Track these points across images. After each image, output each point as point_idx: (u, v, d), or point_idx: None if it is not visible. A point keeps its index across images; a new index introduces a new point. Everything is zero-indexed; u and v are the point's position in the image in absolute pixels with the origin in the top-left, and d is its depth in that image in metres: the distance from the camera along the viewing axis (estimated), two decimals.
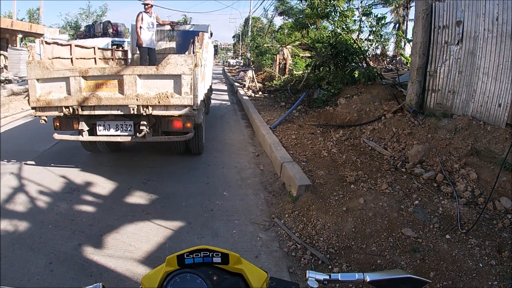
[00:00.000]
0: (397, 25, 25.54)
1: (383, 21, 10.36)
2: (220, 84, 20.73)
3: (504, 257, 3.08)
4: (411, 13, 24.70)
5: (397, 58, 17.01)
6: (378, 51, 13.79)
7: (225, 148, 7.01)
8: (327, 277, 1.02)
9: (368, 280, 1.01)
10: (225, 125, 9.23)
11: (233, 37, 63.62)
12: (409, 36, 18.88)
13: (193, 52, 4.74)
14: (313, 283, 0.99)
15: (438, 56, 5.89)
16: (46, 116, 4.96)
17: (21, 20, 27.07)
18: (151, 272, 1.08)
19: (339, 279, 1.03)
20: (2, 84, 13.60)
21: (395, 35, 19.83)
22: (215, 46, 10.73)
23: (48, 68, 4.65)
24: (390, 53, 18.88)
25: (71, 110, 4.69)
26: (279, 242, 3.62)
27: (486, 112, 5.07)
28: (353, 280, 1.02)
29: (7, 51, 17.01)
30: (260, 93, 13.84)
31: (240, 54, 51.77)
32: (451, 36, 5.63)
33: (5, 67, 15.99)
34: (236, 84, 17.64)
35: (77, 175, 5.25)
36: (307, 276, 1.01)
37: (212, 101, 11.67)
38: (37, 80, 4.72)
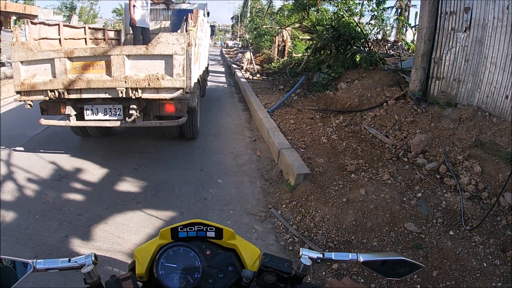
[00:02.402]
0: (399, 11, 25.07)
1: (383, 5, 10.06)
2: (218, 66, 20.40)
3: (508, 257, 2.96)
4: None
5: (399, 44, 16.67)
6: (379, 36, 13.48)
7: (221, 132, 6.82)
8: (321, 255, 1.02)
9: (361, 260, 1.02)
10: (221, 108, 9.00)
11: (232, 18, 62.62)
12: (411, 21, 18.57)
13: (186, 31, 4.47)
14: (306, 260, 0.99)
15: (444, 42, 5.65)
16: (31, 101, 4.71)
17: (15, 1, 26.39)
18: (144, 245, 1.09)
19: (333, 258, 1.03)
20: None
21: (396, 20, 19.46)
22: (212, 26, 10.40)
23: (32, 49, 4.38)
24: (391, 38, 18.52)
25: (56, 93, 4.45)
26: (276, 234, 3.47)
27: (492, 103, 4.85)
28: (347, 260, 1.03)
29: (0, 34, 16.55)
30: (258, 75, 13.56)
31: (238, 35, 51.12)
32: (458, 22, 5.37)
33: None
34: (234, 66, 17.35)
35: (67, 161, 5.06)
36: (300, 254, 1.01)
37: (209, 83, 11.43)
38: (21, 62, 4.46)
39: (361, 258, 1.02)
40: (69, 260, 0.99)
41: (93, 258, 0.97)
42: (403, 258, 1.02)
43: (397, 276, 1.05)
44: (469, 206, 3.55)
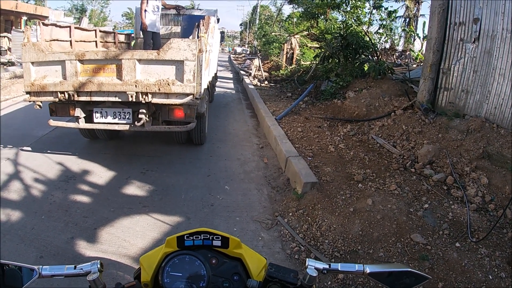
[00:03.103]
0: (408, 20, 25.08)
1: (394, 15, 10.07)
2: (226, 72, 20.47)
3: None
4: (422, 9, 24.31)
5: (407, 53, 16.67)
6: (387, 45, 13.50)
7: (229, 138, 6.82)
8: (327, 266, 1.01)
9: (368, 271, 1.01)
10: (229, 114, 9.02)
11: (241, 24, 62.93)
12: (419, 31, 18.59)
13: (198, 37, 4.49)
14: (312, 271, 0.98)
15: (452, 53, 5.64)
16: (41, 102, 4.74)
17: (27, 2, 26.76)
18: (150, 253, 1.09)
19: (339, 269, 1.02)
20: (5, 67, 13.42)
21: (405, 30, 19.49)
22: (222, 33, 10.45)
23: (43, 50, 4.42)
24: (399, 47, 18.54)
25: (66, 95, 4.47)
26: (282, 243, 3.45)
27: (500, 114, 4.82)
28: (353, 271, 1.02)
29: (11, 33, 16.79)
30: (266, 82, 13.59)
31: (247, 42, 51.34)
32: (467, 33, 5.36)
33: (9, 49, 15.80)
34: (242, 72, 17.40)
35: (74, 163, 5.08)
36: (306, 264, 1.00)
37: (217, 89, 11.47)
38: (32, 63, 4.49)
39: (368, 269, 1.01)
40: (75, 267, 1.00)
41: (98, 266, 0.98)
42: (409, 269, 1.01)
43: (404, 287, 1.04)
44: (475, 218, 3.52)
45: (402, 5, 23.96)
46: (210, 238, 1.07)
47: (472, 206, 3.72)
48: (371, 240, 3.28)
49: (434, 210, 3.64)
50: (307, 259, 1.01)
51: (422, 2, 23.47)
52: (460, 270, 2.91)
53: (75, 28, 6.48)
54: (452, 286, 2.79)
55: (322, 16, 12.63)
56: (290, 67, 15.24)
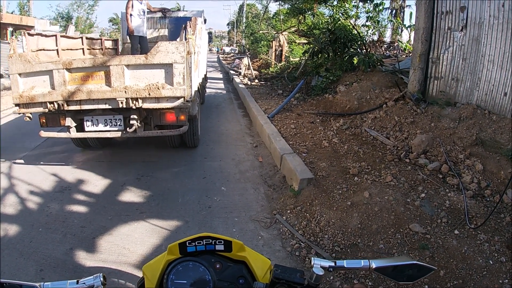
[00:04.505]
0: (394, 12, 25.15)
1: (380, 7, 10.10)
2: (215, 72, 20.42)
3: None
4: (408, 0, 24.41)
5: (395, 44, 16.72)
6: (375, 38, 13.53)
7: (222, 139, 6.81)
8: (333, 264, 1.01)
9: (373, 266, 1.00)
10: (221, 115, 9.00)
11: (228, 24, 62.72)
12: (406, 22, 18.63)
13: (185, 39, 4.46)
14: (318, 270, 0.97)
15: (441, 42, 5.67)
16: (31, 113, 4.69)
17: (11, 13, 26.46)
18: (153, 261, 1.09)
19: (345, 266, 1.02)
20: None
21: (392, 22, 19.53)
22: (209, 33, 10.41)
23: (30, 61, 4.37)
24: (387, 39, 18.58)
25: (56, 105, 4.43)
26: (282, 240, 3.46)
27: (491, 101, 4.86)
28: (359, 267, 1.02)
29: None
30: (256, 81, 13.58)
31: (235, 41, 51.25)
32: (454, 22, 5.39)
33: None
34: (232, 72, 17.38)
35: (68, 173, 5.04)
36: (312, 263, 0.99)
37: (208, 90, 11.43)
38: (19, 74, 4.45)
39: (374, 264, 1.01)
40: (77, 282, 0.98)
41: (101, 279, 0.97)
42: (415, 262, 1.02)
43: (410, 280, 1.04)
44: (472, 205, 3.55)
45: None
46: (213, 243, 1.07)
47: (468, 193, 3.75)
48: (370, 233, 3.30)
49: (431, 199, 3.67)
50: (312, 257, 1.01)
51: None
52: (461, 257, 2.94)
53: (61, 36, 6.41)
54: (453, 273, 2.82)
55: (309, 12, 12.64)
56: (280, 64, 15.24)
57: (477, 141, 4.51)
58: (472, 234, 3.18)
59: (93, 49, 7.78)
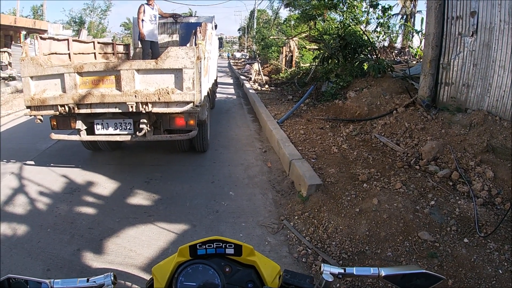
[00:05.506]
0: (405, 17, 25.08)
1: (389, 11, 10.06)
2: (226, 78, 20.53)
3: None
4: (419, 5, 24.33)
5: (406, 50, 16.64)
6: (386, 43, 13.48)
7: (231, 144, 6.81)
8: (342, 270, 1.01)
9: (383, 274, 1.00)
10: (231, 119, 9.03)
11: (239, 30, 63.19)
12: (417, 27, 18.55)
13: (195, 44, 4.49)
14: (328, 276, 0.98)
15: (451, 48, 5.61)
16: (42, 115, 4.75)
17: (26, 17, 26.94)
18: (163, 262, 1.08)
19: (354, 273, 1.02)
20: (6, 82, 13.51)
21: (402, 26, 19.47)
22: (220, 39, 10.48)
23: (42, 64, 4.44)
24: (397, 45, 18.51)
25: (66, 108, 4.49)
26: (289, 246, 3.43)
27: (502, 107, 4.79)
28: (368, 275, 1.02)
29: (11, 48, 16.91)
30: (266, 86, 13.60)
31: (245, 47, 51.49)
32: (465, 27, 5.34)
33: (9, 64, 15.90)
34: (242, 77, 17.42)
35: (78, 175, 5.09)
36: (321, 270, 1.00)
37: (218, 95, 11.50)
38: (31, 77, 4.52)
39: (383, 272, 1.01)
40: (88, 280, 0.98)
41: (112, 278, 0.97)
42: (424, 271, 1.01)
43: None
44: (482, 213, 3.48)
45: (396, 4, 24.01)
46: (223, 246, 1.07)
47: (478, 200, 3.69)
48: (379, 240, 3.26)
49: (440, 207, 3.61)
50: (322, 264, 1.01)
51: None
52: (470, 266, 2.88)
53: (73, 40, 6.51)
54: (462, 282, 2.76)
55: (320, 17, 12.63)
56: (290, 70, 15.24)
57: (488, 148, 4.44)
58: (482, 243, 3.12)
59: (105, 53, 7.87)
